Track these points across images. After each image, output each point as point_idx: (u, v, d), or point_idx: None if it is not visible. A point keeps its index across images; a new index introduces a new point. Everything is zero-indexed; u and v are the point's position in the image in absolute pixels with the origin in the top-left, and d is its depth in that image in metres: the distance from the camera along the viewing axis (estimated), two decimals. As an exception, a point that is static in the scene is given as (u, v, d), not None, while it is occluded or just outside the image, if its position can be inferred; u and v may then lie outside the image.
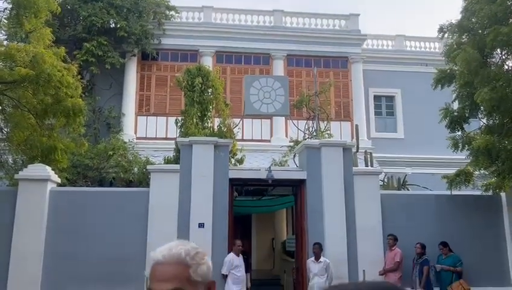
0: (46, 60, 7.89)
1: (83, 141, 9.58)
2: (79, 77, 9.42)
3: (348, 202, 9.02)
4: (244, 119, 13.91)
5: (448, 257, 8.69)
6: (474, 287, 8.59)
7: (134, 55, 16.04)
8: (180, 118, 11.26)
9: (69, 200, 8.59)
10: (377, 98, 18.13)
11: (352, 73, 17.23)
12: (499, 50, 8.79)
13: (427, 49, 18.96)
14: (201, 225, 8.54)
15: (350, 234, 8.86)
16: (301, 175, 9.31)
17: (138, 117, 16.19)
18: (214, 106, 11.26)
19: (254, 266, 15.69)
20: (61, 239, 8.27)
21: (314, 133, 11.56)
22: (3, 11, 6.55)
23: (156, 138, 15.71)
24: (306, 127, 11.86)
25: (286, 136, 15.82)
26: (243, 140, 14.20)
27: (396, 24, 46.69)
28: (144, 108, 16.28)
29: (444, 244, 8.71)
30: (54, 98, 8.35)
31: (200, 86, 10.64)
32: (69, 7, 14.35)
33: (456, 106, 10.21)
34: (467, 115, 9.61)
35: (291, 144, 12.84)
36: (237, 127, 11.42)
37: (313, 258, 8.12)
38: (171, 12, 16.56)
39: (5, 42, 8.82)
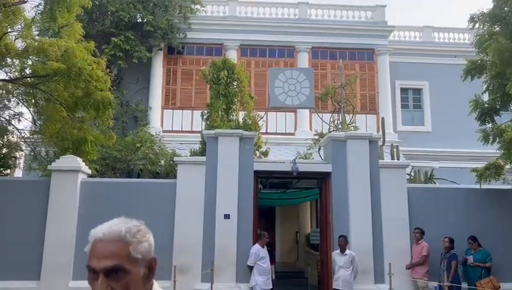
0: (76, 54, 8.11)
1: (112, 134, 9.81)
2: (107, 70, 9.63)
3: (374, 195, 8.95)
4: (268, 113, 13.93)
5: (477, 252, 8.52)
6: (504, 283, 8.40)
7: (160, 50, 16.26)
8: (205, 111, 11.38)
9: (98, 191, 8.83)
10: (403, 90, 17.83)
11: (378, 65, 16.98)
12: (532, 40, 8.49)
13: (456, 40, 18.48)
14: (226, 216, 8.64)
15: (376, 227, 8.79)
16: (326, 168, 9.28)
17: (164, 110, 16.43)
18: (239, 98, 11.33)
19: (278, 259, 15.76)
20: (91, 228, 8.51)
21: (340, 126, 11.48)
22: (38, 6, 6.78)
23: (181, 131, 15.93)
24: (331, 120, 11.79)
25: (311, 129, 15.77)
26: (267, 133, 14.25)
27: (424, 15, 45.59)
28: (170, 101, 16.51)
29: (473, 238, 8.54)
30: (84, 91, 8.58)
31: (225, 79, 10.72)
32: (97, 2, 14.62)
33: (486, 97, 9.94)
34: (498, 106, 9.35)
35: (316, 136, 12.80)
36: (262, 119, 11.45)
37: (338, 251, 8.12)
38: (196, 7, 16.68)
39: (37, 37, 9.10)
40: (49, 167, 8.70)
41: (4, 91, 9.44)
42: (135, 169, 12.46)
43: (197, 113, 14.71)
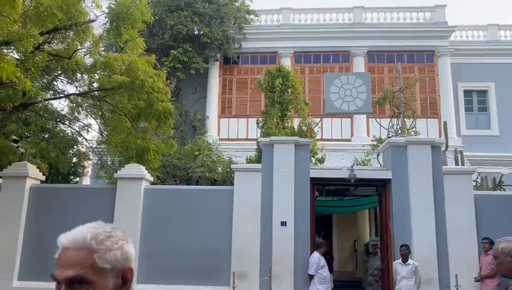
0: (139, 67, 8.54)
1: (172, 142, 10.19)
2: (167, 82, 10.04)
3: (438, 203, 8.55)
4: (324, 119, 13.82)
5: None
6: None
7: (216, 60, 16.70)
8: (261, 119, 11.50)
9: (160, 198, 9.18)
10: (467, 93, 16.94)
11: (439, 67, 16.29)
12: None
13: (526, 38, 17.29)
14: (283, 223, 8.64)
15: (440, 236, 8.38)
16: (386, 174, 9.01)
17: (221, 119, 16.81)
18: (293, 105, 11.34)
19: (335, 268, 15.48)
20: (154, 233, 8.87)
21: (399, 131, 11.11)
22: (105, 24, 7.25)
23: (237, 139, 16.21)
24: (390, 125, 11.44)
25: (368, 134, 15.42)
26: (322, 139, 14.12)
27: (485, 14, 43.09)
28: (226, 110, 16.87)
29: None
30: (146, 102, 9.00)
31: (280, 86, 10.79)
32: (157, 17, 15.32)
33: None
34: None
35: (374, 142, 12.49)
36: (317, 126, 11.37)
37: (400, 261, 7.83)
38: (250, 16, 16.97)
39: (103, 53, 9.70)
40: (115, 175, 9.17)
41: (74, 104, 10.13)
42: (194, 176, 12.85)
43: (252, 121, 14.90)
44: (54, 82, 9.78)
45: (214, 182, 12.36)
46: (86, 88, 9.45)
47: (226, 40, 16.09)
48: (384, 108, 13.88)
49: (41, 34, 6.20)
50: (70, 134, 11.40)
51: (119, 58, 8.59)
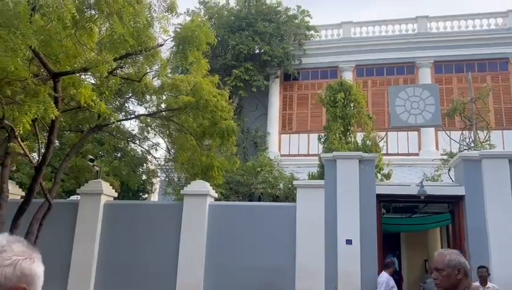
0: (203, 87, 8.85)
1: (235, 159, 10.37)
2: (230, 100, 10.30)
3: (519, 221, 7.88)
4: (389, 133, 13.36)
5: None
6: None
7: (277, 77, 16.89)
8: (322, 134, 11.38)
9: (224, 214, 9.33)
10: (549, 101, 15.59)
11: (515, 75, 15.19)
12: None
13: None
14: (349, 242, 8.41)
15: (524, 258, 7.70)
16: (458, 191, 8.49)
17: (282, 135, 16.88)
18: (356, 120, 11.11)
19: (404, 288, 14.70)
20: (218, 250, 9.01)
21: (472, 144, 10.46)
22: (172, 48, 7.65)
23: (298, 155, 16.15)
24: (461, 138, 10.81)
25: (437, 148, 14.68)
26: (388, 154, 13.64)
27: None
28: (286, 126, 16.92)
29: None
30: (210, 121, 9.28)
31: (342, 100, 10.63)
32: (219, 38, 15.86)
33: None
34: None
35: (445, 156, 11.84)
36: (382, 140, 11.02)
37: (477, 283, 7.26)
38: (310, 32, 17.03)
39: (169, 74, 10.19)
40: (181, 192, 9.49)
41: (144, 124, 10.70)
42: (256, 192, 12.94)
43: (313, 137, 14.79)
44: (126, 104, 10.42)
45: (275, 198, 12.36)
46: (154, 109, 9.95)
47: (286, 57, 16.24)
48: (454, 120, 13.18)
49: (115, 59, 6.65)
50: (140, 153, 12.03)
51: (185, 79, 8.98)
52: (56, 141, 8.71)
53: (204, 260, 8.92)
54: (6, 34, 4.95)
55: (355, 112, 10.98)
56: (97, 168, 10.78)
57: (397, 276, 10.55)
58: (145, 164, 12.89)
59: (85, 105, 6.87)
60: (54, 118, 6.76)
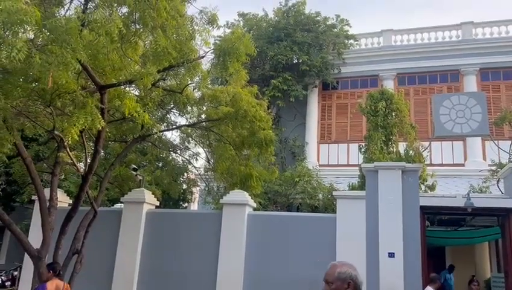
0: (243, 98, 8.94)
1: (274, 169, 10.36)
2: (268, 111, 10.33)
3: None
4: (432, 143, 12.93)
5: None
6: None
7: (315, 87, 16.81)
8: (363, 144, 11.17)
9: (262, 223, 9.30)
10: None
11: None
12: None
13: None
14: (391, 255, 8.15)
15: None
16: (508, 203, 8.07)
17: (320, 145, 16.73)
18: (398, 129, 10.84)
19: (451, 305, 14.05)
20: (258, 259, 8.98)
21: (523, 154, 9.95)
22: (212, 59, 7.80)
23: (338, 165, 15.93)
24: (511, 148, 10.30)
25: (484, 158, 14.06)
26: (431, 165, 13.19)
27: None
28: (325, 136, 16.77)
29: None
30: (249, 131, 9.33)
31: (383, 110, 10.43)
32: (258, 49, 15.98)
33: None
34: None
35: (493, 167, 11.32)
36: (426, 150, 10.68)
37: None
38: (349, 41, 16.88)
39: (209, 85, 10.37)
40: (221, 201, 9.57)
41: (185, 135, 10.92)
42: (294, 203, 12.85)
43: (353, 147, 14.57)
44: (167, 115, 10.68)
45: (314, 209, 12.21)
46: (195, 119, 10.14)
47: (324, 66, 16.15)
48: (503, 129, 12.61)
49: (158, 71, 6.85)
50: (181, 162, 12.27)
51: (224, 90, 9.11)
52: (101, 151, 9.04)
53: (243, 270, 8.91)
54: (59, 49, 5.21)
55: (397, 121, 10.73)
56: (140, 178, 11.08)
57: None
58: (185, 174, 13.12)
59: (129, 116, 7.10)
60: (100, 129, 7.03)
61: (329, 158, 16.48)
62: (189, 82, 8.32)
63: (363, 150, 11.02)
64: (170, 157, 12.27)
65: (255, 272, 8.85)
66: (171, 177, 11.87)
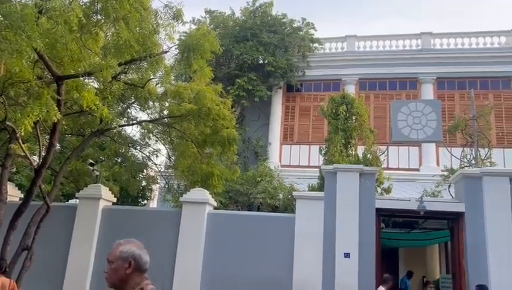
0: (206, 96, 8.88)
1: (236, 168, 10.36)
2: (232, 110, 10.31)
3: (518, 239, 7.83)
4: (390, 147, 13.34)
5: None
6: None
7: (280, 88, 16.96)
8: (323, 146, 11.37)
9: (223, 222, 9.28)
10: (550, 121, 15.59)
11: (517, 94, 15.23)
12: None
13: None
14: (347, 255, 8.35)
15: (522, 277, 7.63)
16: (458, 207, 8.45)
17: (283, 146, 16.88)
18: (358, 133, 11.11)
19: (402, 305, 14.54)
20: (216, 259, 8.95)
21: (473, 161, 10.44)
22: (176, 55, 7.68)
23: (299, 166, 16.14)
24: (462, 155, 10.79)
25: (438, 164, 14.67)
26: (388, 168, 13.62)
27: None
28: (288, 137, 16.93)
29: None
30: (212, 129, 9.29)
31: (344, 113, 10.65)
32: (224, 48, 15.93)
33: None
34: None
35: (445, 173, 11.81)
36: (383, 154, 11.00)
37: (475, 302, 7.20)
38: (314, 45, 17.11)
39: (173, 82, 10.22)
40: (180, 199, 9.46)
41: (146, 130, 10.71)
42: (255, 202, 12.90)
43: (314, 148, 14.80)
44: (128, 109, 10.43)
45: (275, 209, 12.31)
46: (156, 115, 9.97)
47: (289, 68, 16.31)
48: (456, 137, 13.16)
49: (119, 64, 6.68)
50: (140, 158, 12.02)
51: (188, 87, 9.02)
52: (57, 144, 8.70)
53: (201, 269, 8.85)
54: (13, 35, 4.98)
55: (357, 125, 10.99)
56: (97, 173, 10.76)
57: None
58: (145, 170, 12.87)
59: (87, 109, 6.88)
60: (55, 121, 6.78)
61: (291, 159, 16.66)
62: (152, 77, 8.18)
63: (323, 152, 11.22)
64: (129, 153, 11.99)
65: (214, 272, 8.81)
66: (130, 173, 11.61)
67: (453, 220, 8.92)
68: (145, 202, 16.37)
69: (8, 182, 8.21)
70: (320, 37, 17.25)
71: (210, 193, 9.55)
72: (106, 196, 9.79)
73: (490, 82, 15.66)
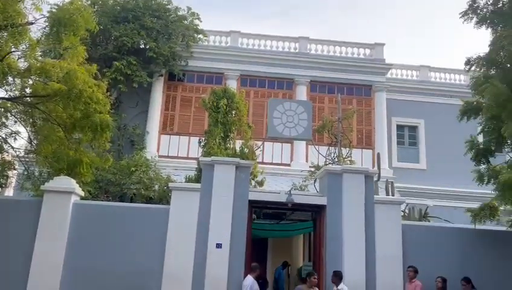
0: (78, 76, 8.18)
1: (108, 156, 9.77)
2: (108, 94, 9.69)
3: (368, 231, 8.87)
4: (265, 143, 13.99)
5: (471, 294, 8.39)
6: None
7: (161, 76, 16.48)
8: (203, 138, 11.41)
9: (90, 214, 8.70)
10: (399, 127, 18.04)
11: (375, 101, 17.26)
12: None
13: (452, 81, 18.85)
14: (218, 246, 8.51)
15: (369, 263, 8.67)
16: (321, 201, 9.24)
17: (161, 136, 16.48)
18: (236, 127, 11.39)
19: (268, 292, 15.40)
20: (81, 252, 8.35)
21: (336, 159, 11.52)
22: (44, 28, 6.89)
23: (177, 157, 15.94)
24: (327, 153, 11.84)
25: (306, 160, 15.81)
26: (263, 163, 14.29)
27: (422, 55, 46.65)
28: (167, 127, 16.58)
29: (467, 280, 8.42)
30: (83, 113, 8.60)
31: (224, 107, 10.82)
32: (101, 27, 14.86)
33: (481, 138, 10.04)
34: (493, 148, 9.42)
35: (312, 169, 12.81)
36: (259, 149, 11.48)
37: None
38: (199, 36, 17.01)
39: (40, 58, 9.19)
40: (42, 187, 8.60)
41: (3, 109, 9.44)
42: (128, 193, 12.34)
43: (194, 140, 14.74)
44: (-19, 83, 9.07)
45: (149, 200, 11.95)
46: (17, 93, 8.86)
47: (172, 56, 15.95)
48: (323, 136, 14.37)
49: (-29, 31, 5.77)
50: (-5, 140, 10.54)
51: (57, 64, 8.18)
52: None
53: (62, 264, 8.17)
54: None
55: (236, 119, 11.27)
56: None
57: (261, 280, 11.01)
58: (0, 154, 11.34)
59: None
60: None
61: (170, 149, 16.36)
62: (13, 49, 7.23)
63: (202, 144, 11.26)
64: (-19, 133, 10.44)
65: (78, 265, 8.22)
66: (-19, 157, 10.13)
67: (316, 212, 9.72)
68: (0, 189, 14.47)
69: None
70: (205, 29, 17.21)
71: (77, 182, 8.86)
72: None
73: (355, 89, 17.44)
